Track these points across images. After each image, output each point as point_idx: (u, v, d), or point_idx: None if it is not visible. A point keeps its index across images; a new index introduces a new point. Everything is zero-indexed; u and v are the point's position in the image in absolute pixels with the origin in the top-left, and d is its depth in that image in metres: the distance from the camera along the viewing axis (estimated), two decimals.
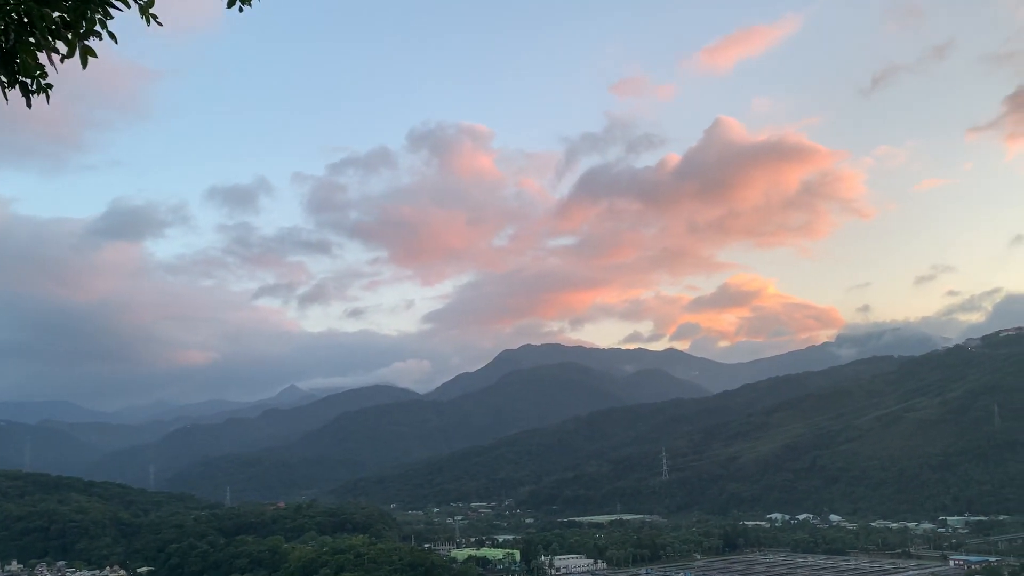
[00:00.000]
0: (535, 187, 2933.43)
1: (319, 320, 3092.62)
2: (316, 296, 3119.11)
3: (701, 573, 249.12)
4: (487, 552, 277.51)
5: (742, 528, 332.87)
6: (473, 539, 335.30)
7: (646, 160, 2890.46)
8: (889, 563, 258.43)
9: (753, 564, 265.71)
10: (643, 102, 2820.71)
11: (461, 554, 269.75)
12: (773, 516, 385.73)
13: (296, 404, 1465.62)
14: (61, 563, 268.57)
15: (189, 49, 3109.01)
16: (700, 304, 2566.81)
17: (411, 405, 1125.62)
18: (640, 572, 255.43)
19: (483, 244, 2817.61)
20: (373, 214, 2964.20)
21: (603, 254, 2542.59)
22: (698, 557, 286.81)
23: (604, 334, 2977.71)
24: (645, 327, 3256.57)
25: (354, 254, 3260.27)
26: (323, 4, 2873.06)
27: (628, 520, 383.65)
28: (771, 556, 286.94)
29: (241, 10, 24.46)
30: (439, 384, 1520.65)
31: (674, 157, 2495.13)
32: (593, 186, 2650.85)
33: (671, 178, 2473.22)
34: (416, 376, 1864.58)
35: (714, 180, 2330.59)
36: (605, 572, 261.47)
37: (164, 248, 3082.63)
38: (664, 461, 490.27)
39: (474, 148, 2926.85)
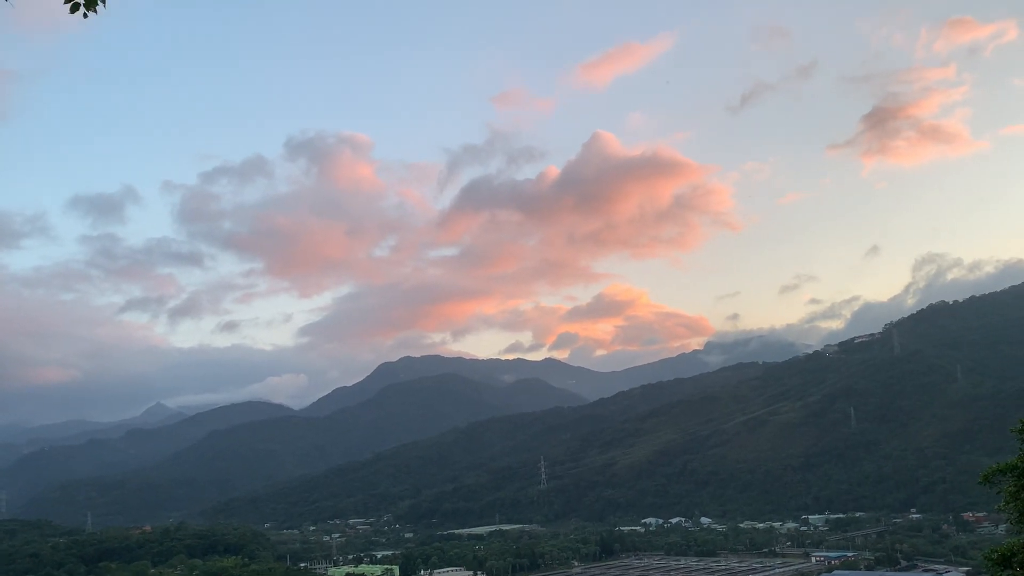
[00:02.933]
0: (416, 198, 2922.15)
1: (189, 335, 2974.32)
2: (187, 310, 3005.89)
3: None
4: (365, 569, 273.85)
5: (618, 534, 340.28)
6: (351, 556, 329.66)
7: (527, 172, 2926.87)
8: (757, 562, 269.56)
9: (628, 569, 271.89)
10: (524, 114, 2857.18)
11: (339, 572, 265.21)
12: (647, 520, 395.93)
13: (163, 423, 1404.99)
14: None
15: (50, 49, 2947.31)
16: (577, 314, 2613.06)
17: (285, 421, 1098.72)
18: None
19: (363, 255, 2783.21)
20: (248, 224, 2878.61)
21: (484, 265, 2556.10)
22: (576, 564, 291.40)
23: (484, 345, 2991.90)
24: (525, 337, 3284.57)
25: (228, 266, 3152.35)
26: (194, 6, 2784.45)
27: (508, 530, 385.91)
28: (646, 560, 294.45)
29: (85, 15, 23.23)
30: (315, 399, 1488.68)
31: (553, 170, 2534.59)
32: (474, 197, 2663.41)
33: (551, 190, 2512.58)
34: (291, 391, 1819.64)
35: (592, 193, 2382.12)
36: None
37: (19, 260, 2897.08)
38: (543, 470, 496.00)
39: (354, 158, 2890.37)
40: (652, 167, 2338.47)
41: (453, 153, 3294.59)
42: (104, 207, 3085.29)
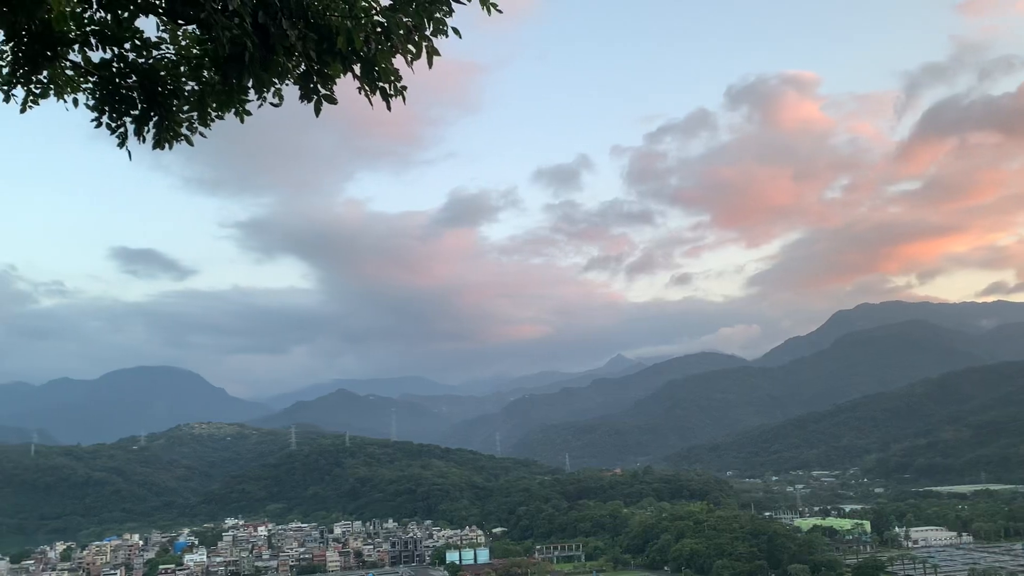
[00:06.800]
0: (869, 131, 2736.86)
1: (644, 289, 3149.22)
2: (640, 266, 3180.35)
3: None
4: (833, 522, 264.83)
5: None
6: (817, 508, 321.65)
7: (1005, 86, 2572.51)
8: None
9: None
10: (998, 19, 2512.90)
11: (805, 523, 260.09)
12: None
13: (624, 373, 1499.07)
14: (428, 522, 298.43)
15: (508, 39, 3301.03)
16: None
17: (740, 372, 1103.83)
18: (1015, 547, 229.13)
19: (812, 199, 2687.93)
20: (693, 179, 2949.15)
21: (954, 197, 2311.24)
22: None
23: (956, 287, 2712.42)
24: (1007, 276, 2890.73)
25: (676, 221, 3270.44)
26: None
27: (996, 490, 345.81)
28: None
29: None
30: (768, 349, 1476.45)
31: None
32: (939, 122, 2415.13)
33: None
34: (743, 342, 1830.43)
35: None
36: (971, 546, 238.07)
37: (497, 231, 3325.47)
38: None
39: (798, 97, 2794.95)
40: None
41: (911, 76, 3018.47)
42: (562, 177, 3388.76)
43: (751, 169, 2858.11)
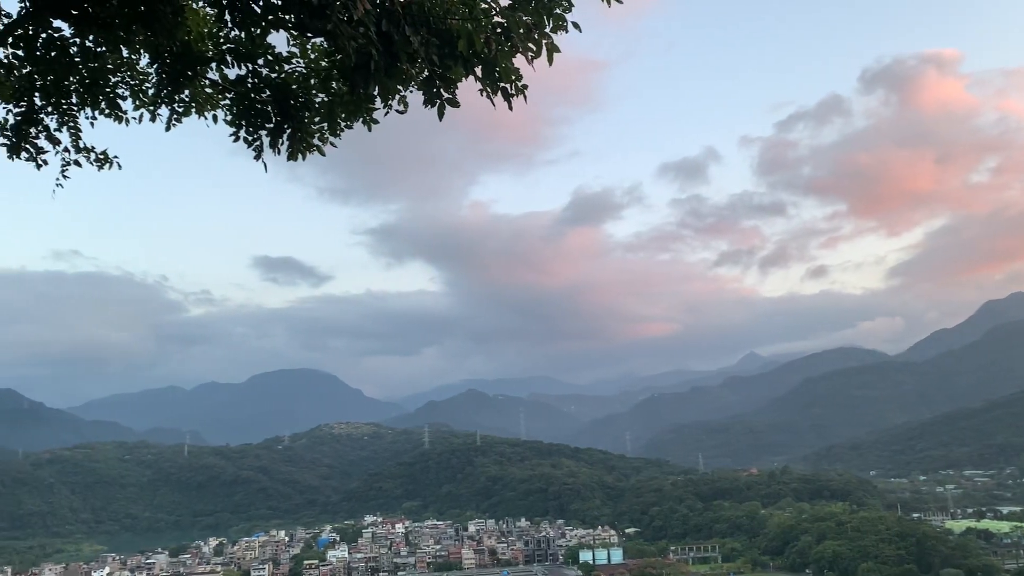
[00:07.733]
0: (1020, 108, 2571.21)
1: (777, 284, 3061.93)
2: (773, 260, 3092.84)
3: None
4: (989, 524, 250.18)
5: None
6: (970, 510, 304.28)
7: None
8: None
9: None
10: None
11: (958, 525, 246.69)
12: None
13: (758, 371, 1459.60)
14: (560, 521, 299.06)
15: (632, 33, 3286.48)
16: None
17: (882, 367, 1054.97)
18: None
19: (957, 183, 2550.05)
20: (827, 167, 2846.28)
21: None
22: None
23: None
24: None
25: (809, 211, 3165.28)
26: None
27: None
28: None
29: None
30: (912, 343, 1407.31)
31: None
32: None
33: None
34: (885, 336, 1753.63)
35: None
36: None
37: (622, 229, 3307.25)
38: None
39: (939, 77, 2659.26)
40: None
41: None
42: (688, 171, 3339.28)
43: (889, 155, 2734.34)
